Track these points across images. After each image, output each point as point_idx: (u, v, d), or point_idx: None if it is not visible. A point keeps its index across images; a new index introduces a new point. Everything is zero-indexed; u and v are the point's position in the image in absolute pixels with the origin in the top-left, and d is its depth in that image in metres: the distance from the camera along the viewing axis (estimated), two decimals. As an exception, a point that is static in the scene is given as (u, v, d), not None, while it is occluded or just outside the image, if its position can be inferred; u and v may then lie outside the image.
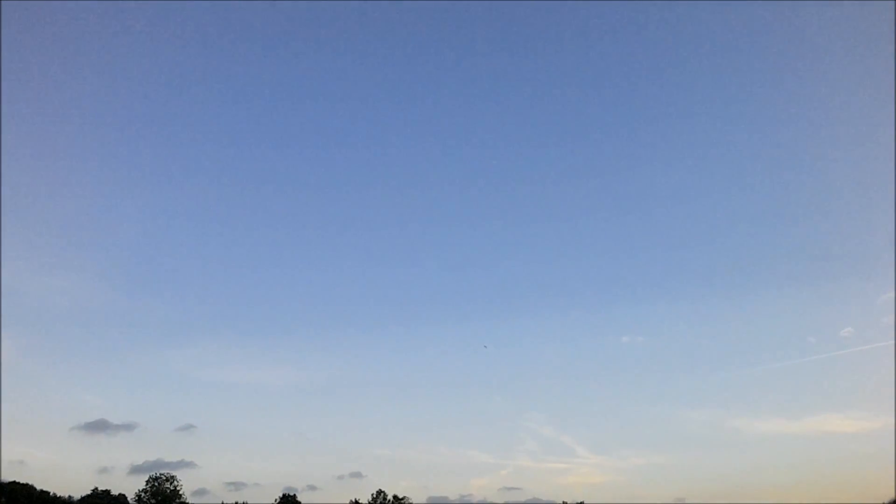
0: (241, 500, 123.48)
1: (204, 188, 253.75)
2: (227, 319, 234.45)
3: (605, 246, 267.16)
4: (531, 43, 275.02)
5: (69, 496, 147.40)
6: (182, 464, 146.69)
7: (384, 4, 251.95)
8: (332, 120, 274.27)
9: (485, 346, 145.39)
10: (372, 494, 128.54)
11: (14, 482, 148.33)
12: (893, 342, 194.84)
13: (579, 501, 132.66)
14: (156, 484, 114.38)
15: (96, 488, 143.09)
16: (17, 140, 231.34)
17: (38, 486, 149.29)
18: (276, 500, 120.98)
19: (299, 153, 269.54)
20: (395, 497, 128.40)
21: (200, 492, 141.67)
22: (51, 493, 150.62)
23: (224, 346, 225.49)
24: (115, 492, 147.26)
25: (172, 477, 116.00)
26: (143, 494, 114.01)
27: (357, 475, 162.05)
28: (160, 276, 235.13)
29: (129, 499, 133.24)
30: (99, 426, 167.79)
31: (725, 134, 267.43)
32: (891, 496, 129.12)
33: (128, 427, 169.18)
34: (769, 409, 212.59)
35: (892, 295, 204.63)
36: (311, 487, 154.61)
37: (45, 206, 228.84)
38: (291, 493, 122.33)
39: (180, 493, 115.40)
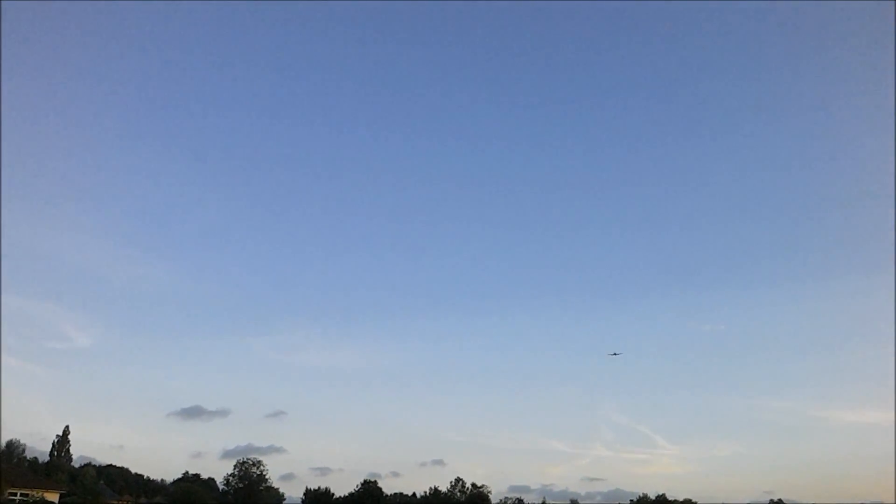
0: (325, 485, 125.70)
1: (282, 178, 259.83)
2: (311, 305, 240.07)
3: (684, 231, 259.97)
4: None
5: (161, 479, 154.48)
6: (272, 449, 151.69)
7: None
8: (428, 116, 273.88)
9: (614, 354, 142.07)
10: (451, 482, 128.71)
11: (111, 465, 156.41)
12: None
13: (661, 493, 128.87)
14: (243, 468, 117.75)
15: (187, 472, 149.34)
16: (107, 135, 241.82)
17: (134, 470, 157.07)
18: (356, 486, 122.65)
19: (374, 140, 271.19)
20: (473, 485, 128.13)
21: (288, 476, 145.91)
22: (145, 477, 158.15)
23: (310, 331, 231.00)
24: (205, 475, 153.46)
25: (259, 462, 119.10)
26: (231, 478, 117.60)
27: (439, 462, 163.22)
28: (244, 264, 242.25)
29: (217, 482, 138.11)
30: (194, 412, 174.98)
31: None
32: None
33: (222, 413, 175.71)
34: (856, 398, 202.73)
35: None
36: (395, 474, 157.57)
37: (132, 196, 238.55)
38: (373, 480, 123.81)
39: (266, 477, 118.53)
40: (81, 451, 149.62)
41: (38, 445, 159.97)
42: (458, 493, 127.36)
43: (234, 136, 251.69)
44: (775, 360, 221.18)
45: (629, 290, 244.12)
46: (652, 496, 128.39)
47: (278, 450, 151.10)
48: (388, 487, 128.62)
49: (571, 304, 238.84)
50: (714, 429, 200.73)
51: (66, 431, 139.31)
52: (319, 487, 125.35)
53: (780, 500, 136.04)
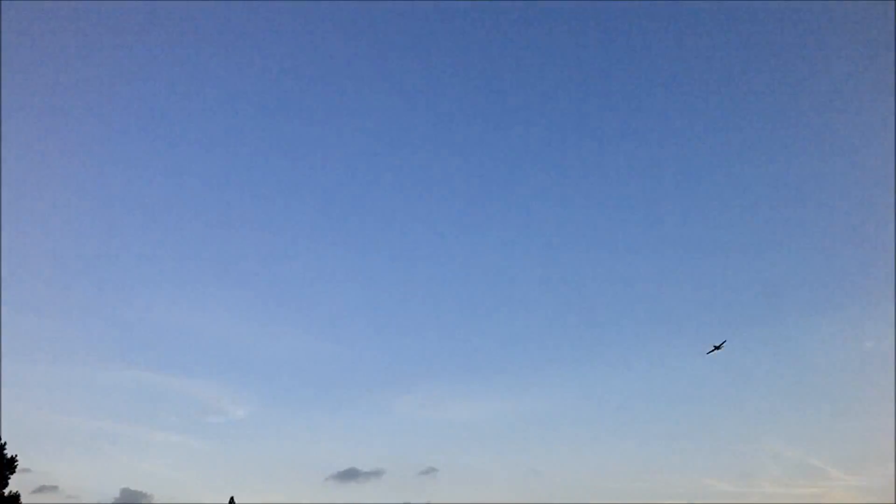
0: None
1: (405, 240, 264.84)
2: (444, 361, 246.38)
3: (837, 243, 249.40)
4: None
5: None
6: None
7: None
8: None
9: (715, 348, 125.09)
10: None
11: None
12: None
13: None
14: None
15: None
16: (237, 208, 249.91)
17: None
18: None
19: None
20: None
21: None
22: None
23: (452, 385, 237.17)
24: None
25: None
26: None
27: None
28: (379, 327, 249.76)
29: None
30: (350, 475, 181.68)
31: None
32: None
33: (376, 473, 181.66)
34: None
35: None
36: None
37: (267, 274, 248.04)
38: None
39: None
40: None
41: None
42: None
43: (362, 199, 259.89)
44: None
45: (782, 309, 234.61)
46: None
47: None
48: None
49: (709, 329, 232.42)
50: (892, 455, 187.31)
51: (231, 502, 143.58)
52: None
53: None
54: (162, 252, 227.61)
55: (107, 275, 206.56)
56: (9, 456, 68.52)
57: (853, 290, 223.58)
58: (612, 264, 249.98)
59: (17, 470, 69.26)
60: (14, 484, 69.26)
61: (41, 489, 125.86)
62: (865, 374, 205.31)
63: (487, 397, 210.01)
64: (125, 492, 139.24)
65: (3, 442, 68.37)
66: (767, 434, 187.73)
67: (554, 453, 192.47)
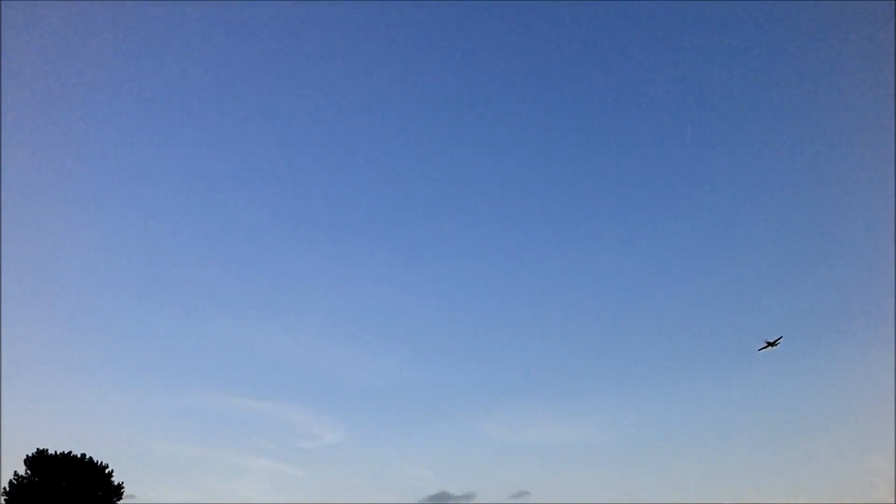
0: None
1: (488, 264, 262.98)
2: (535, 383, 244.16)
3: None
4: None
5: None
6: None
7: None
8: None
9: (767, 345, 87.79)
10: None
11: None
12: None
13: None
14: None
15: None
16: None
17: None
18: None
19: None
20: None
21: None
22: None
23: (537, 408, 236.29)
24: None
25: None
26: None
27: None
28: (458, 350, 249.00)
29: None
30: (441, 498, 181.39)
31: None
32: None
33: (467, 498, 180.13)
34: None
35: None
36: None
37: (353, 300, 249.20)
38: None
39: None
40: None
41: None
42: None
43: (444, 228, 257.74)
44: None
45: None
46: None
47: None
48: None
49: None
50: None
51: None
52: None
53: None
54: (252, 279, 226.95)
55: (198, 303, 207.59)
56: (115, 483, 66.97)
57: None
58: (717, 275, 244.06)
59: (123, 496, 67.98)
60: (120, 510, 67.94)
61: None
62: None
63: (580, 419, 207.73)
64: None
65: (110, 469, 66.87)
66: (871, 452, 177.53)
67: (651, 477, 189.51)
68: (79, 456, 65.50)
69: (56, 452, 64.37)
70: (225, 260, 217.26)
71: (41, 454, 63.54)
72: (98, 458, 67.40)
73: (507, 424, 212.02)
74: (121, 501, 67.58)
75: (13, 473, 63.59)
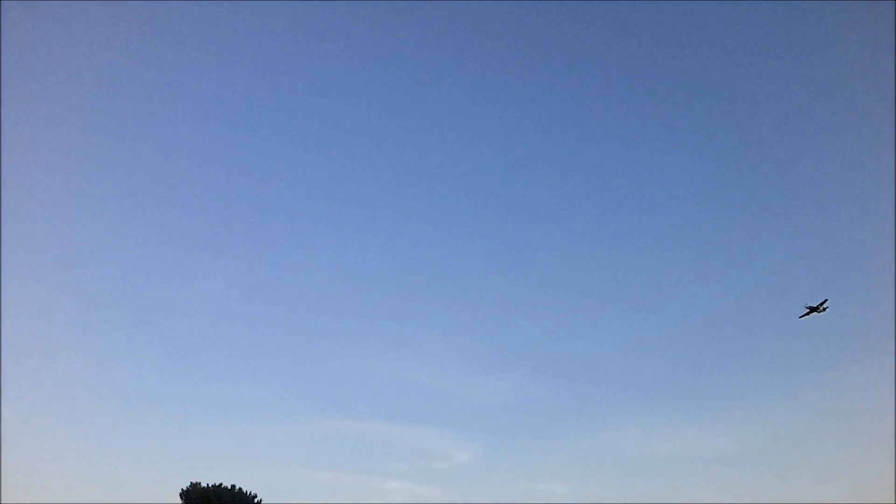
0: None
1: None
2: (652, 392, 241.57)
3: None
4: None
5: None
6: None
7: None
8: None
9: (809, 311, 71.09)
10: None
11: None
12: None
13: None
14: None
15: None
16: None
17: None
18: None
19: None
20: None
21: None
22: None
23: (674, 417, 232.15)
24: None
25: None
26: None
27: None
28: (583, 363, 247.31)
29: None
30: None
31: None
32: None
33: None
34: None
35: None
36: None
37: (471, 318, 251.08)
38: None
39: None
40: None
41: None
42: None
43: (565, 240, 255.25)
44: None
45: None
46: None
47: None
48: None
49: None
50: None
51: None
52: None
53: None
54: (378, 306, 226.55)
55: (324, 332, 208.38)
56: (262, 511, 65.09)
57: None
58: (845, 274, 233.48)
59: (267, 524, 65.94)
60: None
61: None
62: None
63: (721, 428, 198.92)
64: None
65: (259, 499, 64.89)
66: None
67: (762, 492, 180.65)
68: (229, 487, 63.74)
69: (208, 485, 62.71)
70: (352, 286, 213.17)
71: (194, 487, 61.86)
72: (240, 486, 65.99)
73: (633, 437, 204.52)
74: (266, 530, 65.86)
75: (169, 507, 62.17)
